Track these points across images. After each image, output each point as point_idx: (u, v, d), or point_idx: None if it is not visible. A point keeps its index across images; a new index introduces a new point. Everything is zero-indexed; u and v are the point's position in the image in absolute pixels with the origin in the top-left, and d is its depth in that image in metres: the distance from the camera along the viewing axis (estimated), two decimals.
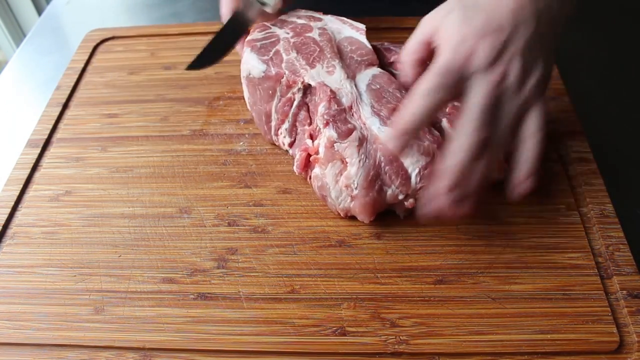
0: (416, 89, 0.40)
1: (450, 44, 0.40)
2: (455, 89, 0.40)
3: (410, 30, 0.44)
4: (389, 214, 0.48)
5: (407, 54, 0.45)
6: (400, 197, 0.44)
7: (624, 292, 0.42)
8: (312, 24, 0.52)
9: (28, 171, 0.53)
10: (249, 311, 0.42)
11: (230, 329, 0.41)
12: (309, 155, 0.47)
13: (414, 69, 0.45)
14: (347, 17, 0.53)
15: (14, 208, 0.50)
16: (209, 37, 0.57)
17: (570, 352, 0.39)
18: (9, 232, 0.48)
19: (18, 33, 1.32)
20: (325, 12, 0.54)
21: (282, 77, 0.48)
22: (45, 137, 0.56)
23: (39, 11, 1.28)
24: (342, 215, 0.47)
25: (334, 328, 0.41)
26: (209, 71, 0.61)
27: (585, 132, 0.53)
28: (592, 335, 0.40)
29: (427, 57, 0.44)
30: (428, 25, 0.43)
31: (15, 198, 0.50)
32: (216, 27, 0.56)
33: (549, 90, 0.57)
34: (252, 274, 0.44)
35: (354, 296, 0.42)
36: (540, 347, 0.39)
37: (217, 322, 0.41)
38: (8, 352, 0.41)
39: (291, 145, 0.51)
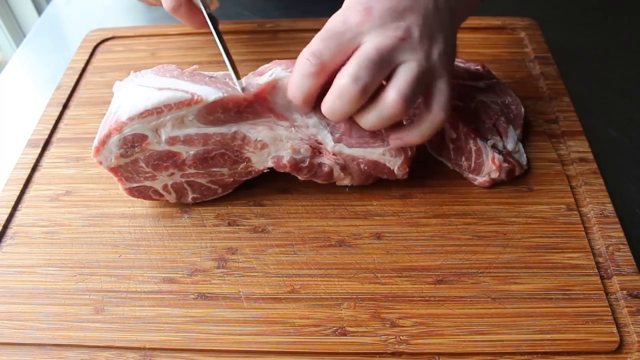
0: (305, 49, 0.40)
1: (346, 5, 0.40)
2: (348, 50, 0.40)
3: None
4: (389, 214, 0.48)
5: None
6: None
7: (624, 292, 0.42)
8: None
9: (28, 171, 0.53)
10: (249, 311, 0.42)
11: (230, 328, 0.41)
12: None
13: None
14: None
15: (14, 208, 0.50)
16: (209, 37, 0.57)
17: (570, 352, 0.39)
18: (9, 232, 0.48)
19: (18, 33, 1.31)
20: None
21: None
22: (46, 137, 0.56)
23: (39, 11, 1.28)
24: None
25: (334, 328, 0.41)
26: (208, 71, 0.61)
27: (585, 132, 0.53)
28: (592, 335, 0.40)
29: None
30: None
31: (15, 198, 0.50)
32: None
33: (549, 90, 0.57)
34: (252, 274, 0.44)
35: (354, 296, 0.42)
36: (540, 347, 0.39)
37: (217, 322, 0.41)
38: (8, 352, 0.41)
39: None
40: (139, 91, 0.43)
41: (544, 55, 0.61)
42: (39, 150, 0.55)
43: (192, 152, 0.45)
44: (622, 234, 0.45)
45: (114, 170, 0.45)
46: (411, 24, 0.40)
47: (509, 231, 0.46)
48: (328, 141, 0.45)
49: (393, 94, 0.39)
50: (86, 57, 0.65)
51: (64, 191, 0.51)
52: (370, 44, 0.39)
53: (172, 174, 0.46)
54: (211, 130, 0.44)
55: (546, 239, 0.45)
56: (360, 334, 0.40)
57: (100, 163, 0.44)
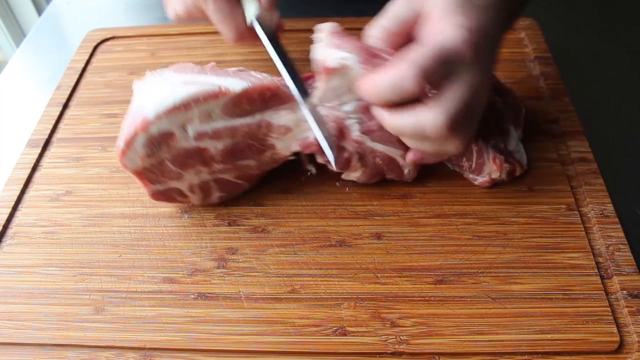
0: (410, 60, 0.37)
1: (454, 26, 0.38)
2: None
3: None
4: (389, 214, 0.48)
5: (385, 33, 0.42)
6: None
7: (624, 292, 0.42)
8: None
9: (28, 171, 0.53)
10: (250, 311, 0.42)
11: (230, 328, 0.41)
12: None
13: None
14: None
15: (14, 208, 0.50)
16: (209, 37, 0.57)
17: (570, 352, 0.39)
18: (9, 232, 0.48)
19: (18, 33, 1.32)
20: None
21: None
22: (46, 137, 0.56)
23: (39, 11, 1.29)
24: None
25: (334, 328, 0.41)
26: None
27: (585, 132, 0.53)
28: (592, 335, 0.40)
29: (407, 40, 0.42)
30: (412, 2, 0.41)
31: (15, 198, 0.50)
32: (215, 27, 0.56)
33: (549, 90, 0.57)
34: (252, 274, 0.44)
35: (354, 296, 0.42)
36: (540, 347, 0.39)
37: (217, 322, 0.41)
38: (8, 352, 0.41)
39: None
40: (163, 88, 0.42)
41: (544, 55, 0.61)
42: (39, 150, 0.55)
43: (220, 147, 0.44)
44: (622, 234, 0.45)
45: (139, 173, 0.44)
46: (493, 69, 0.42)
47: (509, 231, 0.46)
48: (354, 129, 0.45)
49: (461, 141, 0.40)
50: (86, 57, 0.65)
51: (64, 191, 0.51)
52: (469, 86, 0.38)
53: (200, 172, 0.46)
54: (238, 122, 0.43)
55: (546, 239, 0.45)
56: (361, 334, 0.40)
57: (126, 167, 0.43)
